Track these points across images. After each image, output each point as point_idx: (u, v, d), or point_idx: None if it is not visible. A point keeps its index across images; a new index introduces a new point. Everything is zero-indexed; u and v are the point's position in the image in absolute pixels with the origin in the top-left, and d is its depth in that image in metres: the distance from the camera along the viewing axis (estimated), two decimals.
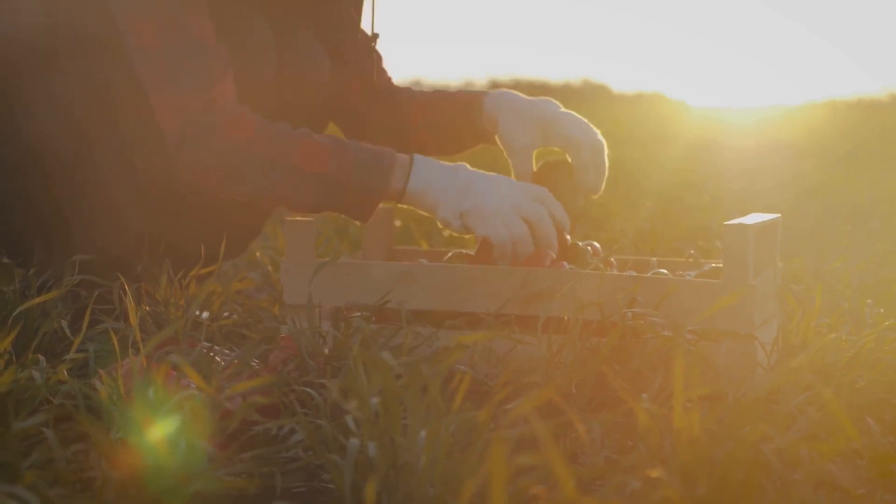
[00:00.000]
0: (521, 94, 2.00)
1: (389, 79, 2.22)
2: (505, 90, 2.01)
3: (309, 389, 1.47)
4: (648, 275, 1.82)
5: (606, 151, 1.95)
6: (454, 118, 2.09)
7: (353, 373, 1.24)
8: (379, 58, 2.19)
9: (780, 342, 1.71)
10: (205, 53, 1.81)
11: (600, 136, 1.96)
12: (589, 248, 1.95)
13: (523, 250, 1.78)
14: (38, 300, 1.60)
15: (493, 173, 1.82)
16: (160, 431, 1.17)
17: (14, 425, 1.19)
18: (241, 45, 1.88)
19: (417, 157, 1.82)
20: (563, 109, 1.96)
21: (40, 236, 1.98)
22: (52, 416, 1.36)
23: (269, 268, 2.60)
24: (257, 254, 2.77)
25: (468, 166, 1.83)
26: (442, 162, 1.83)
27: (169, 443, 1.17)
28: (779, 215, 1.90)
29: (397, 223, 3.57)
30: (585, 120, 1.97)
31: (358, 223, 1.89)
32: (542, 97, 1.99)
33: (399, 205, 1.84)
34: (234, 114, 1.82)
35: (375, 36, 2.14)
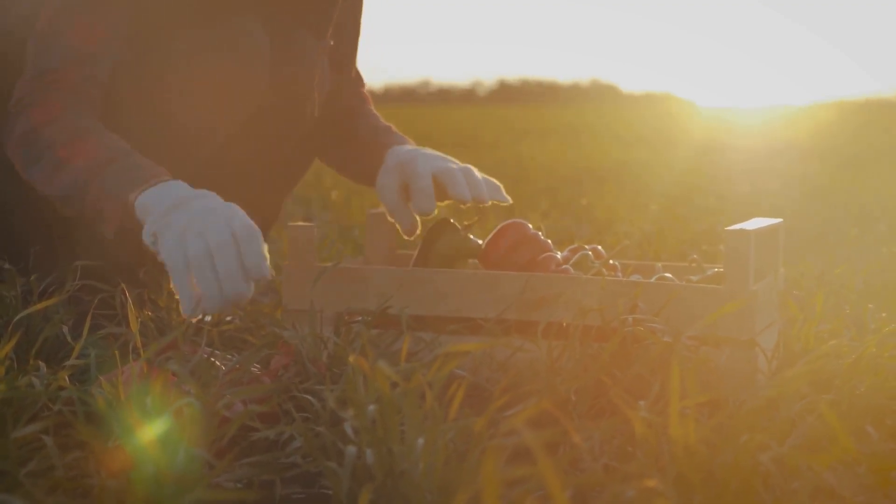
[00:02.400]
0: (425, 151, 2.01)
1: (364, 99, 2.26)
2: (397, 149, 2.04)
3: (308, 396, 1.47)
4: (651, 280, 1.82)
5: (458, 168, 1.95)
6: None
7: (351, 381, 1.24)
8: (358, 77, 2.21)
9: (782, 348, 1.71)
10: (60, 49, 1.83)
11: (451, 163, 1.97)
12: (591, 252, 1.95)
13: (202, 278, 1.58)
14: (38, 306, 1.61)
15: (202, 190, 1.67)
16: (158, 439, 1.17)
17: (12, 434, 1.19)
18: (235, 46, 1.89)
19: (172, 181, 1.68)
20: (429, 152, 1.99)
21: (43, 239, 1.98)
22: (52, 423, 1.36)
23: (272, 271, 2.60)
24: None
25: (183, 186, 1.68)
26: (165, 192, 1.67)
27: (167, 450, 1.17)
28: (781, 220, 1.90)
29: None
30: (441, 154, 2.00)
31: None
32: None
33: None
34: (45, 96, 1.81)
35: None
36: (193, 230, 1.58)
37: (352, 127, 2.18)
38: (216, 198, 1.66)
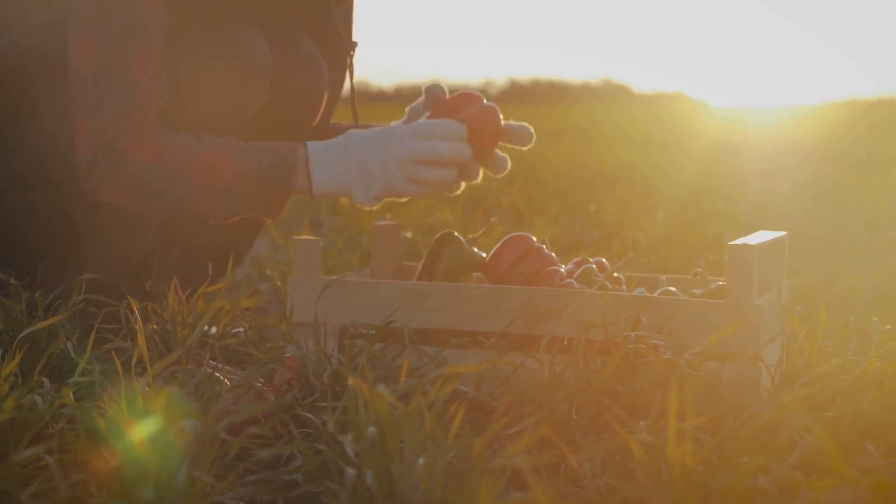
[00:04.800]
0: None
1: None
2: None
3: (310, 415, 1.47)
4: (655, 294, 1.82)
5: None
6: None
7: (352, 402, 1.24)
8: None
9: (784, 363, 1.71)
10: (132, 87, 1.83)
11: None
12: (595, 265, 1.96)
13: (447, 176, 1.86)
14: (44, 324, 1.61)
15: (384, 129, 1.87)
16: (159, 459, 1.18)
17: (14, 456, 1.19)
18: (236, 54, 1.89)
19: (311, 152, 1.86)
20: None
21: (50, 252, 1.98)
22: (56, 443, 1.36)
23: (278, 282, 2.61)
24: (268, 270, 2.78)
25: (357, 134, 1.87)
26: (335, 143, 1.86)
27: (168, 471, 1.17)
28: (784, 233, 1.90)
29: (408, 234, 3.58)
30: None
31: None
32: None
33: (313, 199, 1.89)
34: (140, 135, 1.83)
35: (354, 44, 2.15)
36: (406, 168, 1.85)
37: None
38: (365, 136, 1.87)
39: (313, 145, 1.86)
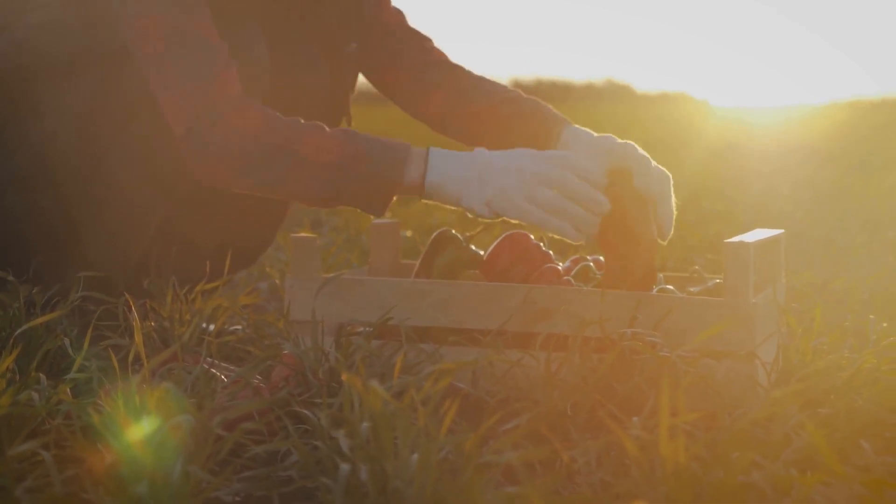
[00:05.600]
0: (589, 132, 1.95)
1: (452, 68, 2.17)
2: (576, 127, 1.97)
3: (306, 411, 1.47)
4: (652, 291, 1.82)
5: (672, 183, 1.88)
6: (533, 142, 2.02)
7: (347, 398, 1.25)
8: (435, 54, 2.17)
9: (780, 361, 1.71)
10: (206, 49, 1.81)
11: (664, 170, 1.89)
12: (593, 263, 1.96)
13: (568, 217, 1.74)
14: (41, 319, 1.62)
15: (514, 150, 1.78)
16: (154, 455, 1.18)
17: (8, 451, 1.20)
18: (234, 53, 1.89)
19: (433, 148, 1.79)
20: (620, 141, 1.90)
21: (49, 248, 1.99)
22: (52, 438, 1.37)
23: (277, 280, 2.61)
24: (267, 268, 2.78)
25: (486, 150, 1.80)
26: (459, 152, 1.80)
27: (163, 466, 1.18)
28: (782, 231, 1.90)
29: (408, 233, 3.58)
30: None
31: (371, 218, 1.86)
32: (603, 134, 1.94)
33: (423, 199, 1.81)
34: (240, 104, 1.80)
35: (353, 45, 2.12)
36: (530, 187, 1.74)
37: (478, 102, 2.11)
38: (505, 154, 1.78)
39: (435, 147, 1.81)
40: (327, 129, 1.80)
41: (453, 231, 1.98)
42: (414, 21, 2.23)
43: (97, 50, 1.91)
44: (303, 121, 1.81)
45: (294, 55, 2.04)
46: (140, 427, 1.24)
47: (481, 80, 2.14)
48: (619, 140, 1.89)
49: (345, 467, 1.16)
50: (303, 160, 1.77)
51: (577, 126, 1.98)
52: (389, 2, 2.18)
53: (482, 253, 1.98)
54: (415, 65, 2.14)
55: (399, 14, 2.19)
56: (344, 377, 1.19)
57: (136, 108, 1.91)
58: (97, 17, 1.92)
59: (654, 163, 1.87)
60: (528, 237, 1.94)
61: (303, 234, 1.91)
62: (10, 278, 1.90)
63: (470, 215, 1.78)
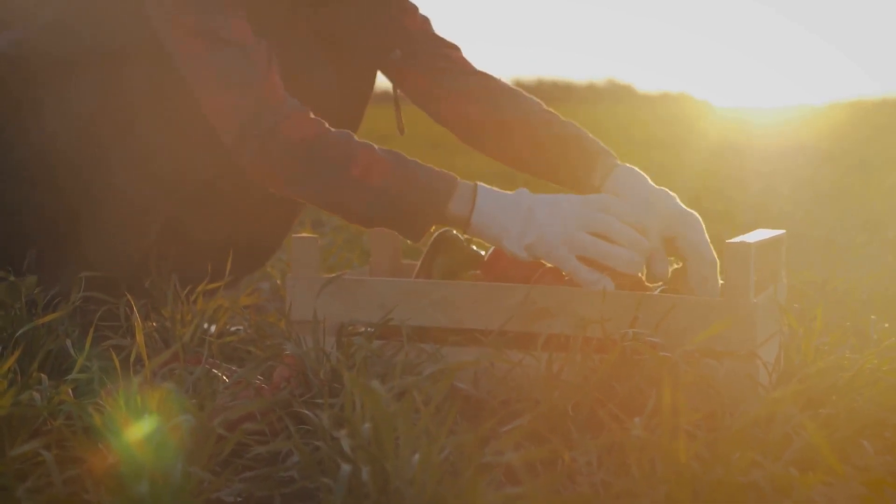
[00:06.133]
0: (644, 176, 1.92)
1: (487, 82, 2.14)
2: (629, 167, 1.93)
3: (308, 412, 1.47)
4: (654, 291, 1.82)
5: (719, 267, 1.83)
6: (571, 169, 2.00)
7: (349, 398, 1.25)
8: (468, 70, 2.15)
9: (781, 361, 1.71)
10: (248, 50, 1.81)
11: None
12: None
13: (611, 259, 1.72)
14: (43, 320, 1.62)
15: (556, 195, 1.78)
16: (155, 455, 1.18)
17: (10, 451, 1.20)
18: None
19: (481, 187, 1.79)
20: (682, 207, 1.85)
21: (51, 248, 1.99)
22: (54, 438, 1.37)
23: (278, 281, 2.61)
24: (268, 268, 2.78)
25: (528, 191, 1.79)
26: (504, 192, 1.80)
27: (164, 467, 1.18)
28: (783, 231, 1.90)
29: None
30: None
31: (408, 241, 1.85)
32: (660, 187, 1.89)
33: (465, 235, 1.81)
34: (294, 113, 1.81)
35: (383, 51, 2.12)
36: (571, 235, 1.73)
37: (516, 121, 2.09)
38: (553, 199, 1.77)
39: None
40: (377, 148, 1.80)
41: (454, 231, 1.99)
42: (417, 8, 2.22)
43: (99, 50, 1.91)
44: (356, 137, 1.82)
45: (306, 60, 2.04)
46: (141, 427, 1.24)
47: (514, 91, 2.13)
48: (683, 206, 1.85)
49: (346, 468, 1.16)
50: (351, 179, 1.78)
51: (629, 166, 1.94)
52: (417, 9, 2.18)
53: (483, 253, 1.98)
54: (438, 71, 2.13)
55: (426, 22, 2.19)
56: (345, 377, 1.19)
57: (139, 108, 1.91)
58: (100, 16, 1.92)
59: (707, 239, 1.83)
60: None
61: (304, 234, 1.91)
62: (12, 278, 1.90)
63: (508, 255, 1.78)
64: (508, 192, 1.79)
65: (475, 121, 2.09)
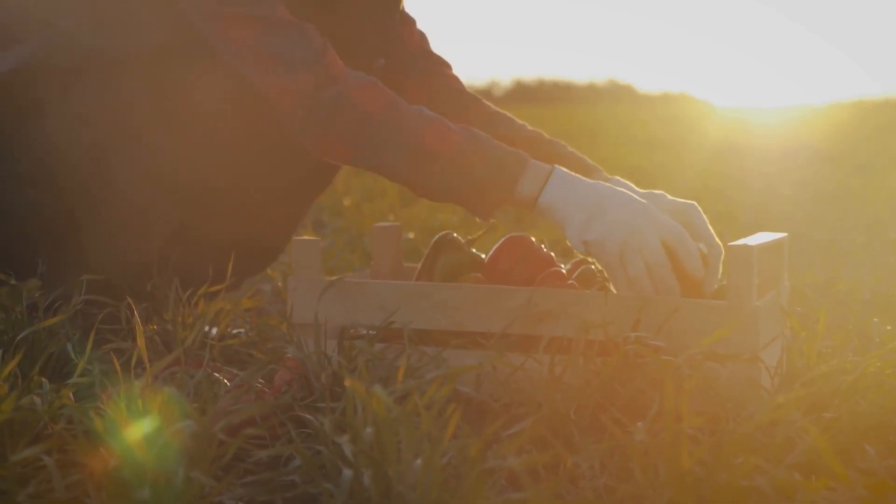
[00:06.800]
0: (632, 185, 1.93)
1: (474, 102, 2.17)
2: (619, 179, 1.95)
3: (309, 416, 1.47)
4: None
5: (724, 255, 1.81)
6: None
7: (350, 402, 1.25)
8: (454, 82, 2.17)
9: (784, 365, 1.71)
10: (299, 32, 1.81)
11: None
12: (594, 265, 1.96)
13: (644, 290, 1.70)
14: (44, 323, 1.62)
15: (638, 196, 1.74)
16: (157, 460, 1.18)
17: (11, 456, 1.20)
18: None
19: (559, 168, 1.76)
20: (679, 201, 1.88)
21: (54, 252, 1.99)
22: (55, 443, 1.37)
23: (280, 283, 2.61)
24: (270, 271, 2.78)
25: (608, 185, 1.75)
26: (584, 178, 1.76)
27: (166, 472, 1.18)
28: (785, 234, 1.90)
29: (410, 235, 3.58)
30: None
31: (479, 221, 1.82)
32: (650, 190, 1.91)
33: (533, 215, 1.77)
34: (361, 83, 1.79)
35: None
36: (631, 248, 1.68)
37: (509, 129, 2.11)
38: (629, 197, 1.72)
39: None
40: (452, 123, 1.78)
41: (455, 234, 1.98)
42: (416, 21, 2.22)
43: (104, 56, 1.91)
44: (427, 110, 1.79)
45: None
46: (142, 431, 1.24)
47: (502, 113, 2.14)
48: (680, 200, 1.87)
49: (348, 472, 1.16)
50: (422, 148, 1.75)
51: (618, 178, 1.96)
52: (414, 24, 2.18)
53: (483, 256, 1.98)
54: (433, 90, 2.14)
55: (423, 38, 2.19)
56: (346, 382, 1.19)
57: (142, 113, 1.91)
58: (108, 24, 1.92)
59: (712, 231, 1.84)
60: (530, 239, 1.94)
61: (305, 237, 1.91)
62: (13, 281, 1.90)
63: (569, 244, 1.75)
64: (587, 180, 1.75)
65: None
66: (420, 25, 2.21)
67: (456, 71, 2.22)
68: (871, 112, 18.49)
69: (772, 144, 11.25)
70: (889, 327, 2.05)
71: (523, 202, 1.75)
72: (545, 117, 21.63)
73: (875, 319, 1.91)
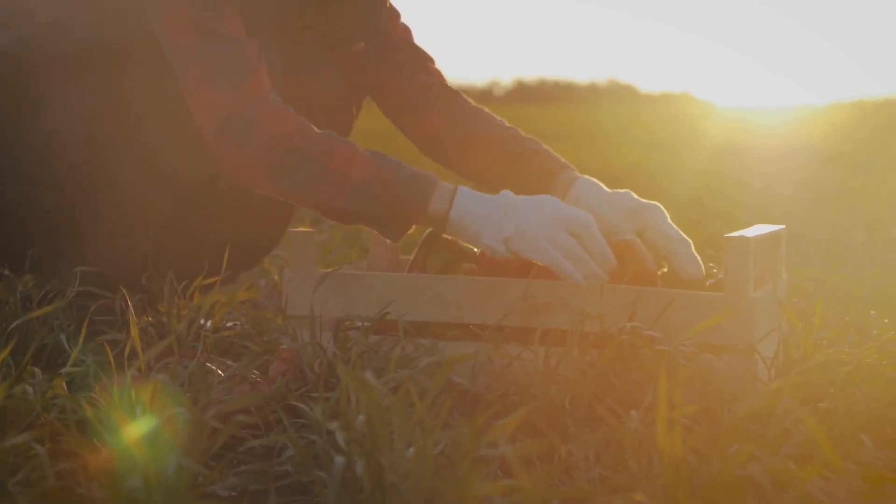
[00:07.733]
0: (601, 185, 1.96)
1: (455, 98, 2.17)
2: (588, 178, 1.99)
3: (302, 405, 1.47)
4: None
5: (693, 246, 1.87)
6: (532, 182, 2.04)
7: (344, 391, 1.24)
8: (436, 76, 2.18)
9: (781, 356, 1.70)
10: (237, 47, 1.81)
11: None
12: None
13: (580, 266, 1.71)
14: (37, 313, 1.61)
15: (538, 195, 1.77)
16: (149, 449, 1.17)
17: (2, 444, 1.19)
18: None
19: (462, 187, 1.78)
20: (642, 201, 1.91)
21: (49, 244, 1.98)
22: (47, 432, 1.36)
23: (276, 277, 2.60)
24: (266, 264, 2.78)
25: (512, 193, 1.78)
26: (485, 194, 1.79)
27: (157, 460, 1.17)
28: (783, 227, 1.89)
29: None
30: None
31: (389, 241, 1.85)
32: (615, 190, 1.96)
33: (443, 234, 1.80)
34: (275, 109, 1.80)
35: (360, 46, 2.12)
36: (541, 239, 1.72)
37: (480, 135, 2.12)
38: (536, 198, 1.76)
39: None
40: (358, 147, 1.80)
41: None
42: (415, 22, 2.22)
43: (99, 48, 1.90)
44: (336, 135, 1.81)
45: (306, 58, 2.03)
46: (135, 421, 1.23)
47: (479, 109, 2.15)
48: (643, 200, 1.91)
49: (340, 461, 1.16)
50: (332, 173, 1.77)
51: (587, 177, 1.99)
52: (399, 17, 2.18)
53: (476, 249, 1.97)
54: (414, 83, 2.15)
55: (407, 31, 2.19)
56: (339, 370, 1.18)
57: (138, 107, 1.91)
58: (102, 14, 1.91)
59: (676, 228, 1.88)
60: None
61: (301, 229, 1.90)
62: (7, 272, 1.90)
63: (487, 252, 1.77)
64: (491, 195, 1.78)
65: (443, 136, 2.12)
66: (421, 25, 2.22)
67: (456, 71, 2.25)
68: (871, 112, 18.51)
69: (772, 144, 11.25)
70: (886, 320, 2.04)
71: (435, 219, 1.78)
72: (546, 117, 21.63)
73: (872, 312, 1.91)
